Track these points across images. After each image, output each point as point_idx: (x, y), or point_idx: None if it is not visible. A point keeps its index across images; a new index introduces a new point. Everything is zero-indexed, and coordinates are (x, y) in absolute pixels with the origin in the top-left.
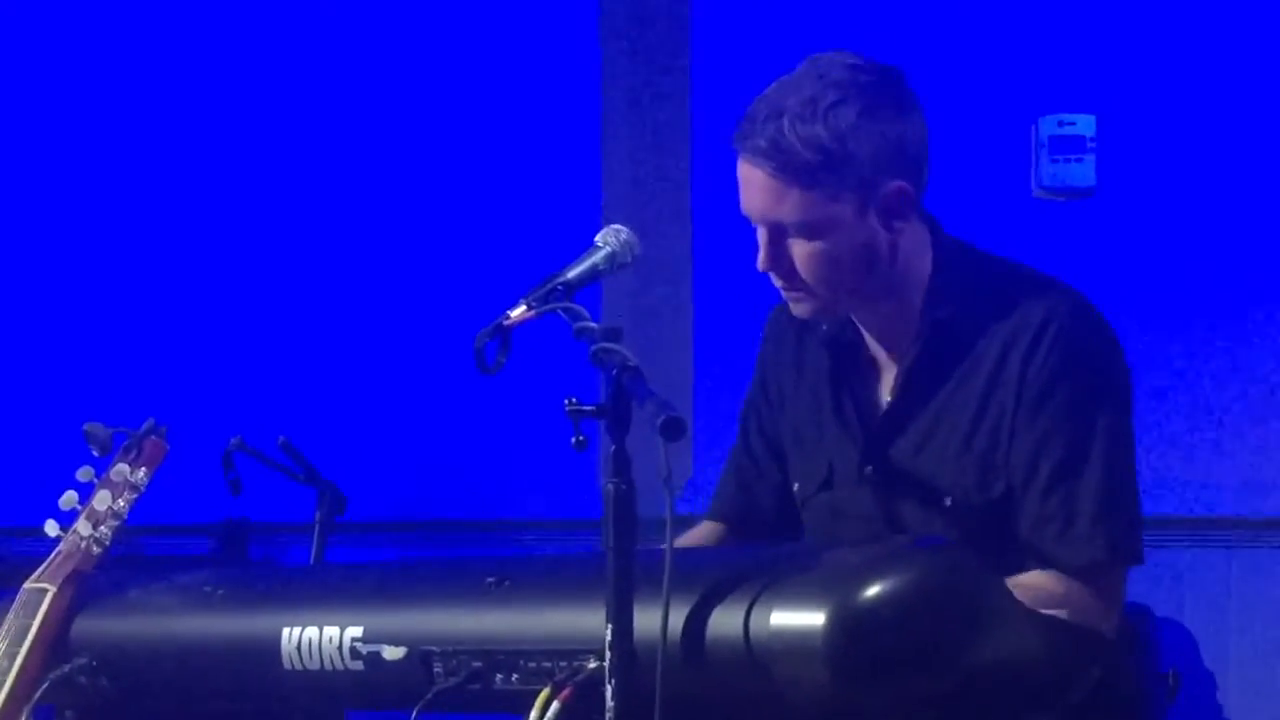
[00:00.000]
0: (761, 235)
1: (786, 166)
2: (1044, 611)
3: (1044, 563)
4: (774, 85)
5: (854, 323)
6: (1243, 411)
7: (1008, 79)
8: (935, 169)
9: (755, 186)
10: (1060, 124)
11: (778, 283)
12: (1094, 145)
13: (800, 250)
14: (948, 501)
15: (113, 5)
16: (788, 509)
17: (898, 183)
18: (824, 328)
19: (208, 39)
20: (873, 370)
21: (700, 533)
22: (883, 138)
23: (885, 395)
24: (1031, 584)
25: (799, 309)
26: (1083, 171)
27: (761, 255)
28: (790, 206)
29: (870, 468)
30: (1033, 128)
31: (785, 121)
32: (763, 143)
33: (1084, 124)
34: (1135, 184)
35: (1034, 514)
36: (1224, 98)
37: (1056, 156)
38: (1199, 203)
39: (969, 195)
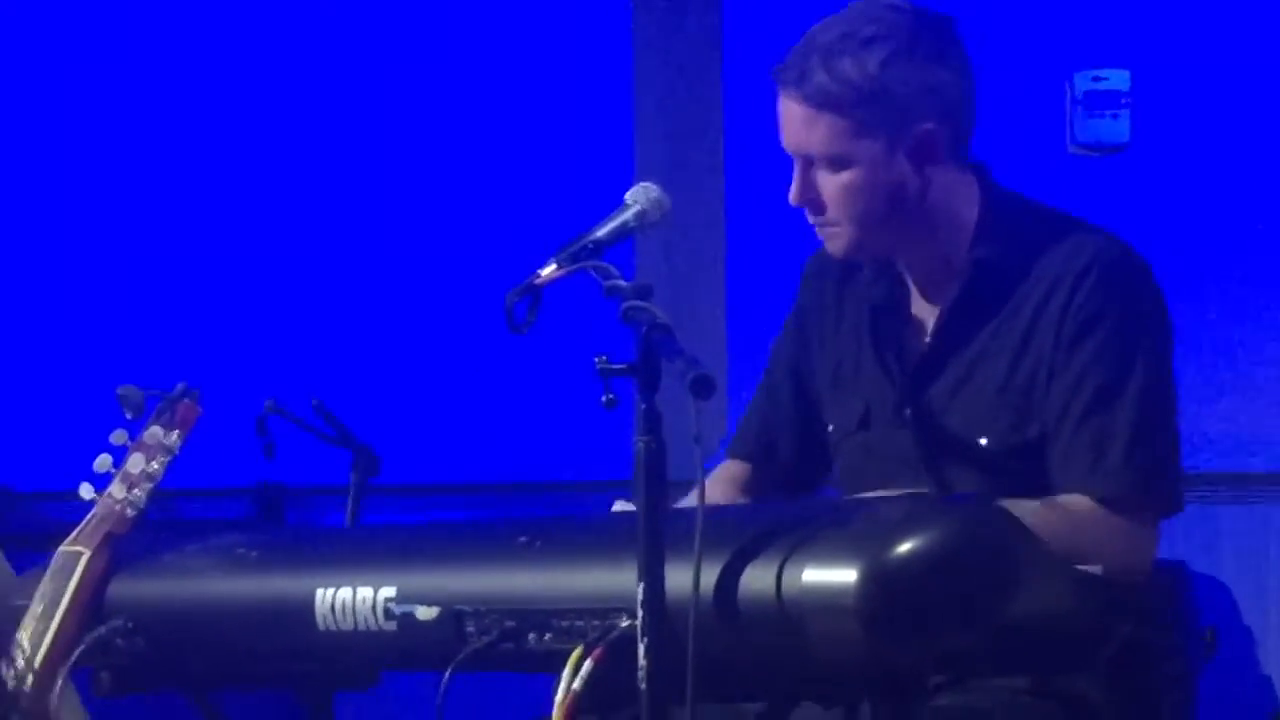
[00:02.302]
0: (796, 168)
1: (815, 97)
2: (1070, 539)
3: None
4: (819, 23)
5: (896, 268)
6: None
7: (1041, 34)
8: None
9: (790, 119)
10: (1094, 79)
11: (811, 218)
12: (1129, 100)
13: (828, 183)
14: (984, 441)
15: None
16: (808, 450)
17: (927, 125)
18: (866, 270)
19: (242, 18)
20: (914, 313)
21: (724, 473)
22: (914, 78)
23: (926, 337)
24: (1062, 504)
25: (832, 245)
26: (1117, 127)
27: (793, 187)
28: (820, 137)
29: (908, 409)
30: (1067, 83)
31: (817, 55)
32: (794, 74)
33: (1118, 79)
34: (1170, 139)
35: (1066, 445)
36: (1260, 52)
37: (1091, 111)
38: (1235, 158)
39: (1004, 151)
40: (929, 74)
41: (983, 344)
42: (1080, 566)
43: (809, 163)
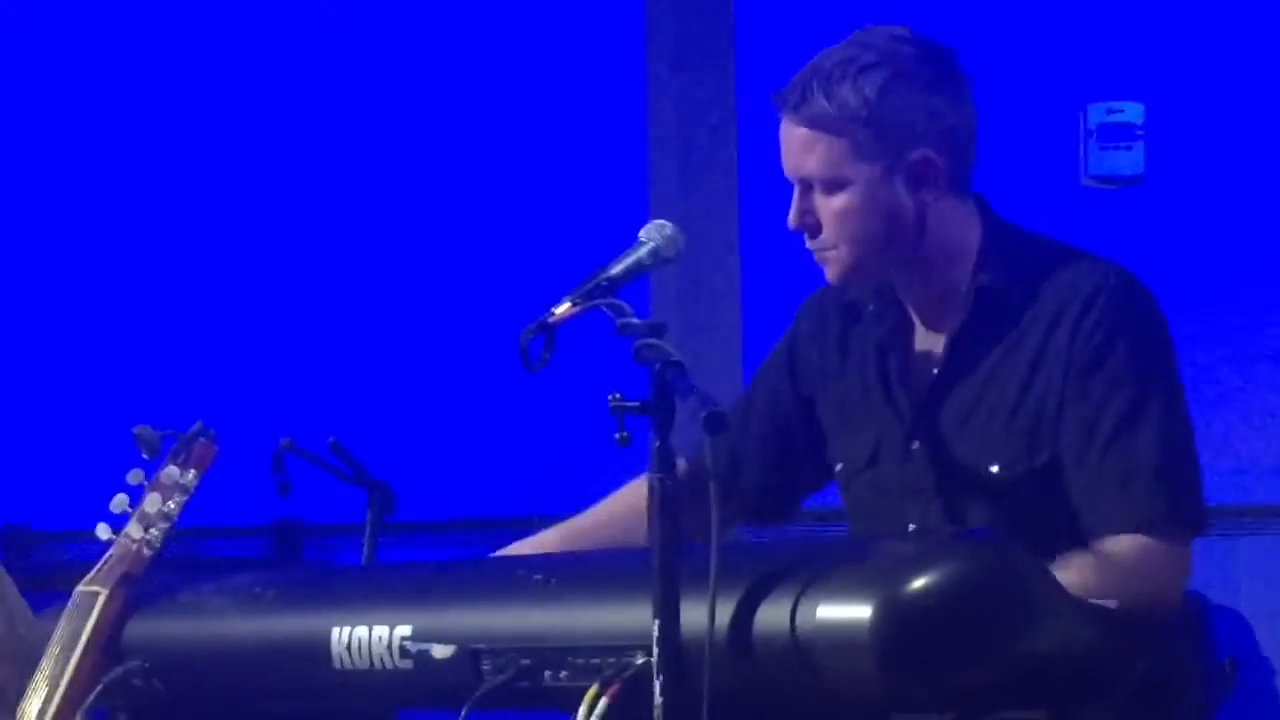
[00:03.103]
0: (795, 192)
1: (813, 119)
2: (1109, 576)
3: (1104, 525)
4: (822, 51)
5: (900, 301)
6: None
7: (1055, 67)
8: (984, 157)
9: (787, 141)
10: (1109, 112)
11: (809, 243)
12: (1142, 133)
13: (824, 206)
14: (994, 469)
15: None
16: (775, 483)
17: (925, 150)
18: (870, 307)
19: (258, 43)
20: (919, 345)
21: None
22: (912, 105)
23: (933, 368)
24: (1096, 548)
25: (830, 271)
26: (1131, 159)
27: (791, 211)
28: (817, 160)
29: (917, 442)
30: (1081, 115)
31: (817, 80)
32: (794, 97)
33: (1132, 111)
34: (1183, 171)
35: (1092, 475)
36: (1271, 85)
37: (1105, 144)
38: (1247, 189)
39: (1018, 183)
40: (927, 101)
41: (989, 371)
42: (1124, 600)
43: (807, 186)
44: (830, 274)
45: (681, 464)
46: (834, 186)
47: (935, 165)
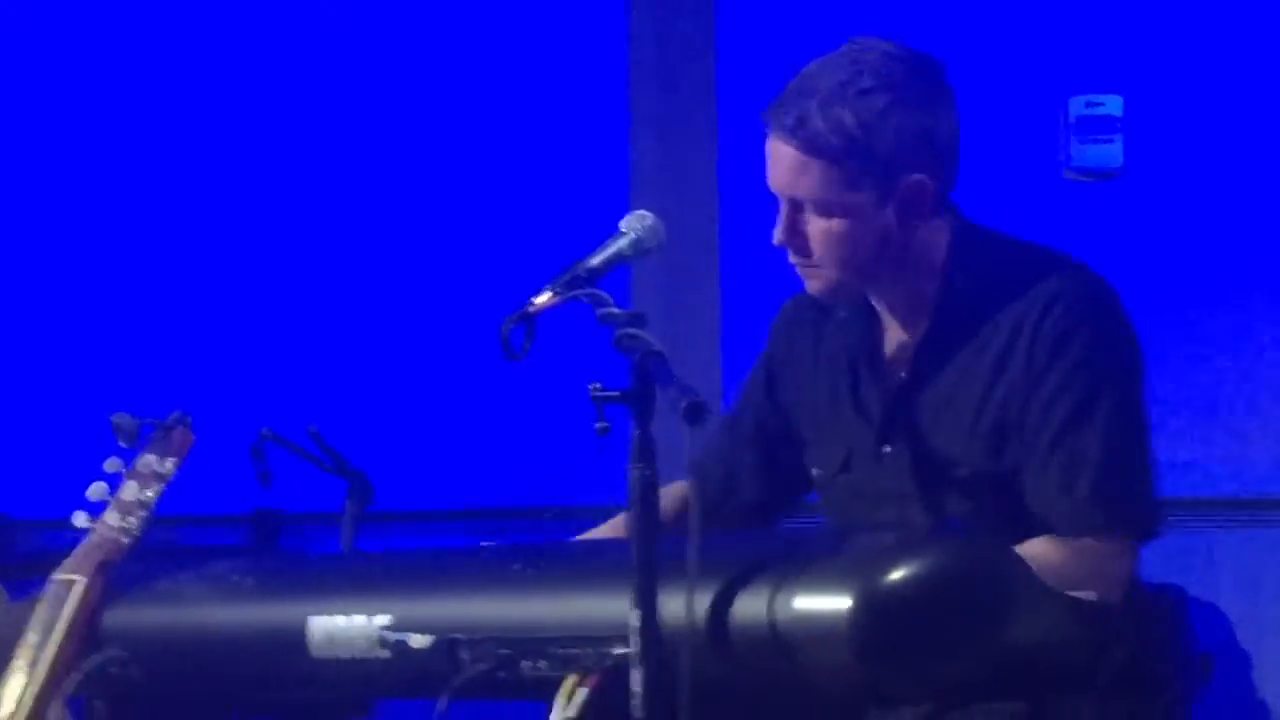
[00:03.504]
0: (782, 209)
1: (810, 145)
2: (1045, 571)
3: (1046, 529)
4: (811, 64)
5: (873, 308)
6: (1274, 391)
7: (1036, 60)
8: (965, 150)
9: (780, 161)
10: (1088, 105)
11: (792, 258)
12: (1122, 126)
13: (815, 227)
14: (962, 472)
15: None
16: (770, 492)
17: (919, 176)
18: (842, 314)
19: (226, 35)
20: (890, 350)
21: (677, 490)
22: (909, 130)
23: (901, 372)
24: (1028, 553)
25: (812, 285)
26: (1111, 152)
27: (778, 228)
28: (811, 183)
29: (889, 446)
30: (1061, 109)
31: (815, 102)
32: (790, 120)
33: (1112, 104)
34: (1164, 164)
35: (1037, 478)
36: (1252, 78)
37: (1085, 137)
38: (1228, 183)
39: (998, 177)
40: (921, 124)
41: (955, 377)
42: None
43: (796, 206)
44: (812, 288)
45: (683, 486)
46: (826, 210)
47: (927, 189)
